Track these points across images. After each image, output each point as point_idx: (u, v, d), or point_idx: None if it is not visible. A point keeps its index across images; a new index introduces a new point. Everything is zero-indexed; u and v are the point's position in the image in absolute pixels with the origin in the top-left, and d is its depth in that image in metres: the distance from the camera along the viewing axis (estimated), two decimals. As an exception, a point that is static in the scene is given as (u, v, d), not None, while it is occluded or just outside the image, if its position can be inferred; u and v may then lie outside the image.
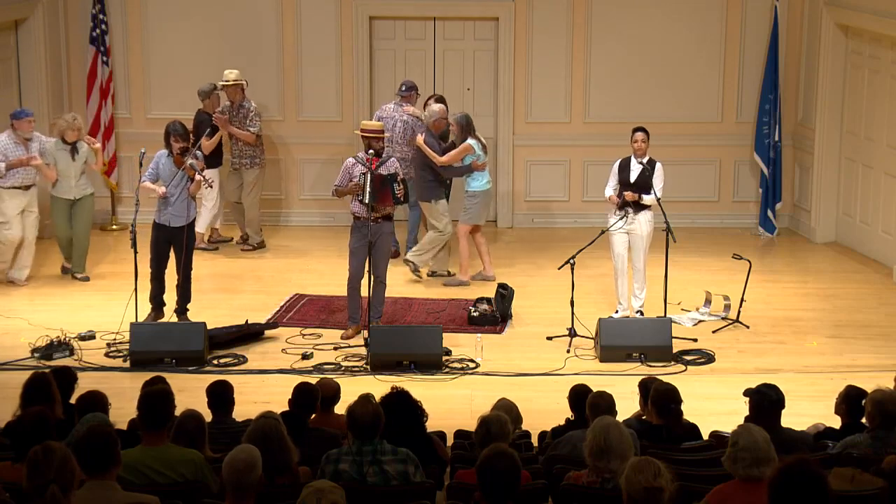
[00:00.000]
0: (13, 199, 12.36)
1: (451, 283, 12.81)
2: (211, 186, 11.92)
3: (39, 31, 14.32)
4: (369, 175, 10.92)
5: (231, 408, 7.76)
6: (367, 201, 10.91)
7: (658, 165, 11.39)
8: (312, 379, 8.22)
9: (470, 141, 12.70)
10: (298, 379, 8.19)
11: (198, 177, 11.11)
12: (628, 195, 11.33)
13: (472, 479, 5.93)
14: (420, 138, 12.81)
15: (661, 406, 7.64)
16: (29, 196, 12.49)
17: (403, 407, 7.09)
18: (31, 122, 12.43)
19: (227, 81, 13.85)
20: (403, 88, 13.64)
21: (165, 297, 11.47)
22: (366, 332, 10.96)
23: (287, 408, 7.58)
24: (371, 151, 11.04)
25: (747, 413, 7.28)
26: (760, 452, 5.71)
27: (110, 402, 7.50)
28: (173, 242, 11.29)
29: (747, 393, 7.31)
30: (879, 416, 7.03)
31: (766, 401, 7.16)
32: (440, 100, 13.83)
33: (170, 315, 11.41)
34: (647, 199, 11.30)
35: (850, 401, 7.53)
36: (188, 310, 11.45)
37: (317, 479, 5.78)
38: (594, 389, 7.62)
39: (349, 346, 10.99)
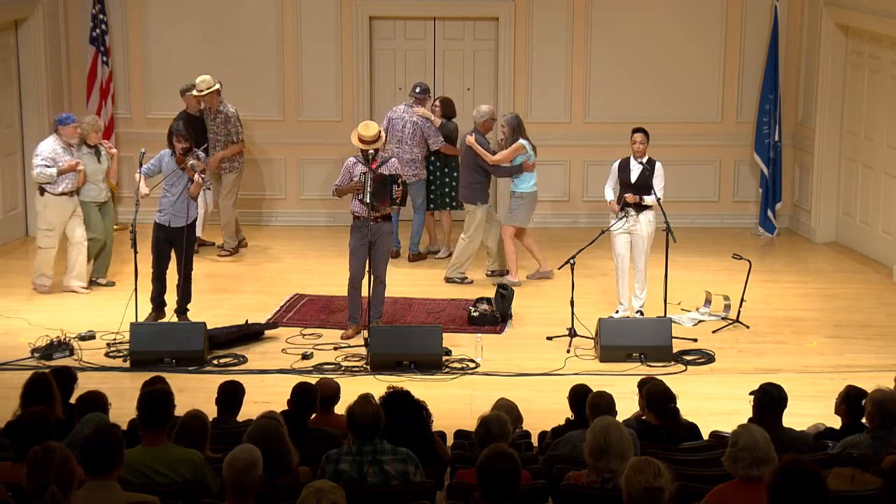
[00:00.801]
0: (61, 206, 12.22)
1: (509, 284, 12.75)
2: (209, 188, 11.89)
3: (39, 31, 14.32)
4: (370, 174, 10.92)
5: (237, 410, 7.76)
6: (367, 201, 10.91)
7: (658, 165, 11.39)
8: (312, 379, 8.23)
9: (522, 141, 12.67)
10: (298, 379, 8.19)
11: (198, 177, 11.12)
12: (629, 197, 11.32)
13: (472, 479, 5.93)
14: (471, 138, 12.77)
15: (657, 406, 7.66)
16: (75, 202, 12.35)
17: (404, 407, 7.09)
18: (77, 127, 12.26)
19: (201, 91, 13.40)
20: (418, 90, 13.58)
21: (166, 298, 11.46)
22: (366, 332, 10.96)
23: (286, 408, 7.58)
24: (371, 152, 11.04)
25: (750, 413, 7.29)
26: (760, 452, 5.72)
27: (110, 403, 7.50)
28: (174, 242, 11.29)
29: (752, 392, 7.32)
30: (879, 416, 7.03)
31: (767, 398, 7.17)
32: (446, 101, 13.79)
33: (170, 315, 11.40)
34: (648, 199, 11.30)
35: (850, 401, 7.53)
36: (188, 310, 11.45)
37: (317, 479, 5.78)
38: (594, 389, 7.62)
39: (349, 346, 10.99)
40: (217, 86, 13.47)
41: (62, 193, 12.17)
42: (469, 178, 12.89)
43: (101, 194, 12.56)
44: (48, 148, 12.13)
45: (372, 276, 10.97)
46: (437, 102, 13.75)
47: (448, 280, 12.90)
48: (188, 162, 11.15)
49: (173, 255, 11.37)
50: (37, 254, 12.47)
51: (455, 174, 13.64)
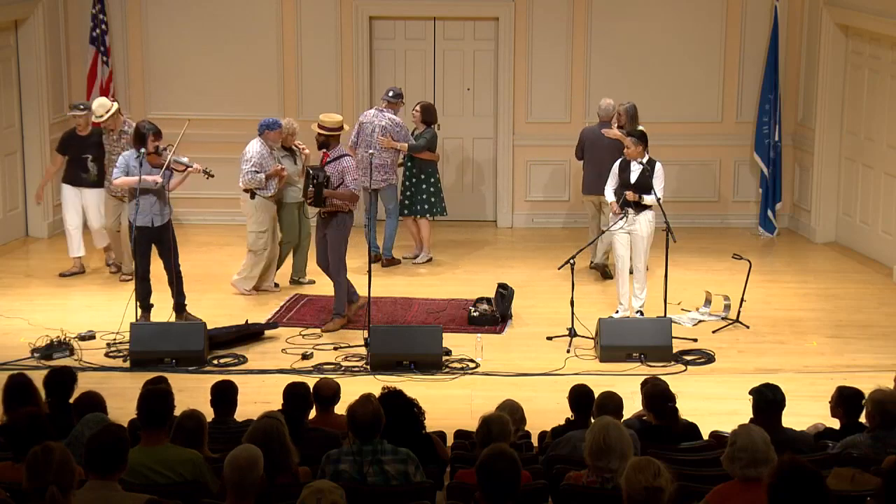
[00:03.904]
0: (270, 208, 12.24)
1: None
2: (213, 175, 11.57)
3: (39, 31, 14.32)
4: (310, 169, 11.28)
5: (233, 408, 7.74)
6: (302, 195, 11.37)
7: (658, 166, 11.39)
8: (312, 379, 8.22)
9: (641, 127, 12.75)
10: (298, 379, 8.18)
11: (197, 166, 11.21)
12: (629, 195, 11.32)
13: (472, 479, 5.92)
14: (617, 131, 12.69)
15: (656, 406, 7.67)
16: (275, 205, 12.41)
17: (398, 406, 7.09)
18: (281, 132, 12.25)
19: (100, 117, 12.38)
20: (391, 94, 13.37)
21: (155, 299, 11.41)
22: (366, 332, 10.96)
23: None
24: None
25: (750, 413, 7.30)
26: (759, 453, 5.71)
27: (105, 404, 7.46)
28: (158, 242, 11.23)
29: (751, 392, 7.33)
30: (879, 416, 7.03)
31: (763, 400, 7.17)
32: (427, 107, 13.44)
33: (169, 315, 11.39)
34: (648, 199, 11.29)
35: (846, 401, 7.53)
36: (186, 304, 11.43)
37: (317, 479, 5.78)
38: (594, 389, 7.63)
39: (349, 346, 10.99)
40: (115, 106, 12.53)
41: (269, 197, 12.15)
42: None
43: (299, 194, 12.50)
44: (256, 153, 12.02)
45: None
46: (418, 108, 13.54)
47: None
48: (168, 158, 11.11)
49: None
50: (247, 257, 12.35)
51: (432, 180, 13.43)
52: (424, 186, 13.45)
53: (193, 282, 11.87)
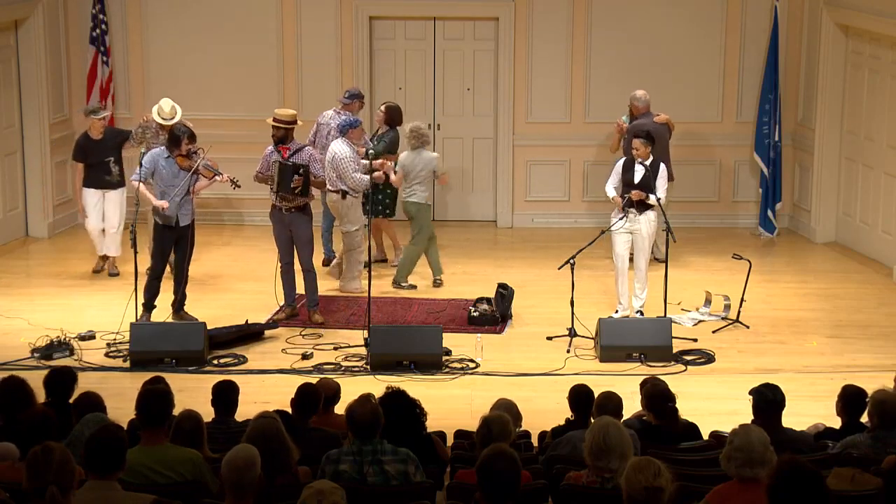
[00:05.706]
0: (360, 208, 12.27)
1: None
2: (240, 185, 11.59)
3: (39, 31, 14.32)
4: (278, 164, 11.21)
5: (234, 409, 7.73)
6: (274, 189, 11.30)
7: (662, 167, 11.40)
8: (312, 379, 8.23)
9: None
10: (298, 379, 8.20)
11: (226, 176, 11.22)
12: (635, 194, 11.30)
13: (472, 479, 5.92)
14: (667, 116, 12.87)
15: (656, 406, 7.67)
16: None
17: (401, 406, 7.09)
18: (363, 130, 12.30)
19: (169, 119, 12.21)
20: (346, 96, 13.20)
21: (157, 300, 11.43)
22: (366, 332, 10.97)
23: (287, 407, 7.56)
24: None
25: (750, 413, 7.30)
26: (754, 454, 5.70)
27: (105, 404, 7.46)
28: (179, 241, 11.29)
29: (751, 392, 7.33)
30: (879, 416, 7.03)
31: (763, 401, 7.17)
32: (392, 108, 13.25)
33: (168, 314, 11.39)
34: (652, 199, 11.29)
35: (848, 400, 7.53)
36: (185, 304, 11.46)
37: (317, 480, 5.78)
38: (594, 389, 7.63)
39: (349, 346, 10.99)
40: (180, 110, 12.45)
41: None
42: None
43: (429, 195, 12.64)
44: (349, 154, 11.98)
45: (302, 267, 11.45)
46: (383, 108, 13.38)
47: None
48: (199, 163, 11.14)
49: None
50: (345, 258, 12.44)
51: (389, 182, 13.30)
52: (380, 186, 13.09)
53: (194, 282, 11.88)
